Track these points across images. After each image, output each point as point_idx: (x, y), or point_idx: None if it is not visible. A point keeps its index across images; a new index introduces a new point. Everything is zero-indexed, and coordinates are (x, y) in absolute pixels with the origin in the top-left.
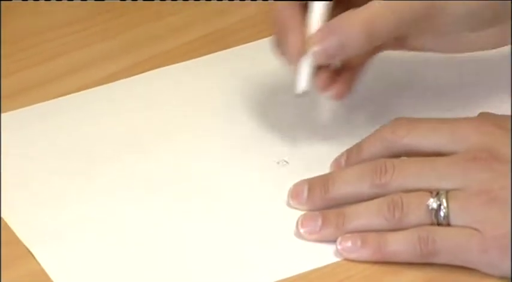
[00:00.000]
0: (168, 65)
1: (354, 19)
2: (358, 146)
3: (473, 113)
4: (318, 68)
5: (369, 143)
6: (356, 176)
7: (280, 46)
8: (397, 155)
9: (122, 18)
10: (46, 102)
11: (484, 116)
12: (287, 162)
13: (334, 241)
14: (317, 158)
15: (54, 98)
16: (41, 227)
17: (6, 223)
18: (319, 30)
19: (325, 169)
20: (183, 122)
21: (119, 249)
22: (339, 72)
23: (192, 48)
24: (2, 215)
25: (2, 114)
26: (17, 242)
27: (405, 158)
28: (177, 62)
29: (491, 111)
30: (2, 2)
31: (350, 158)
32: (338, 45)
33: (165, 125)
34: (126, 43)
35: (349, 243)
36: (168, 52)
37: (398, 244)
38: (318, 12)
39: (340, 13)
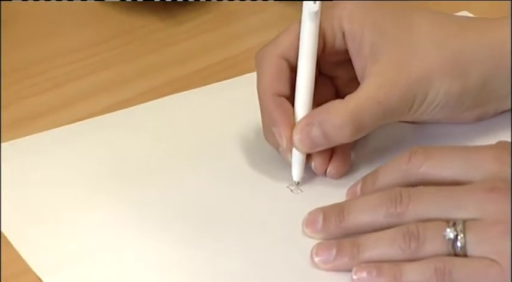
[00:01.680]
0: (183, 90)
1: (339, 110)
2: (373, 175)
3: (491, 141)
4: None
5: (384, 172)
6: (371, 205)
7: (271, 136)
8: (413, 184)
9: (135, 43)
10: (53, 130)
11: (502, 145)
12: (301, 190)
13: (349, 271)
14: (332, 186)
15: (62, 125)
16: (52, 257)
17: (16, 252)
18: (302, 120)
19: (340, 197)
20: (197, 148)
21: (131, 277)
22: (334, 150)
23: (208, 74)
24: (13, 244)
25: (2, 144)
26: (29, 271)
27: (421, 187)
28: (193, 88)
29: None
30: (5, 28)
31: (365, 187)
32: (322, 136)
33: (179, 151)
34: (140, 69)
35: (364, 274)
36: (183, 78)
37: (414, 275)
38: (302, 101)
39: (325, 92)
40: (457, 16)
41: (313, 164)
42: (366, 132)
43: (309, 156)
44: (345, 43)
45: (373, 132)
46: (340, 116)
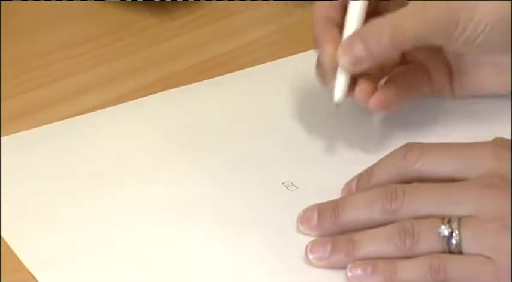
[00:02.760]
0: (177, 86)
1: (381, 21)
2: (368, 171)
3: (487, 138)
4: (359, 80)
5: (379, 168)
6: (366, 201)
7: (320, 70)
8: (408, 181)
9: (129, 39)
10: (50, 125)
11: (498, 141)
12: (296, 186)
13: (343, 268)
14: (327, 182)
15: (58, 120)
16: (46, 253)
17: (10, 248)
18: (347, 38)
19: (335, 194)
20: (191, 145)
21: (125, 274)
22: (383, 85)
23: (202, 70)
24: (5, 240)
25: (2, 138)
26: (22, 268)
27: (417, 183)
28: (187, 84)
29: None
30: (3, 23)
31: (360, 183)
32: (365, 52)
33: (172, 148)
34: (134, 64)
35: (359, 271)
36: (177, 74)
37: (409, 272)
38: (352, 22)
39: None
40: None
41: (357, 89)
42: (406, 46)
43: (351, 87)
44: None
45: (376, 126)
46: (380, 24)
